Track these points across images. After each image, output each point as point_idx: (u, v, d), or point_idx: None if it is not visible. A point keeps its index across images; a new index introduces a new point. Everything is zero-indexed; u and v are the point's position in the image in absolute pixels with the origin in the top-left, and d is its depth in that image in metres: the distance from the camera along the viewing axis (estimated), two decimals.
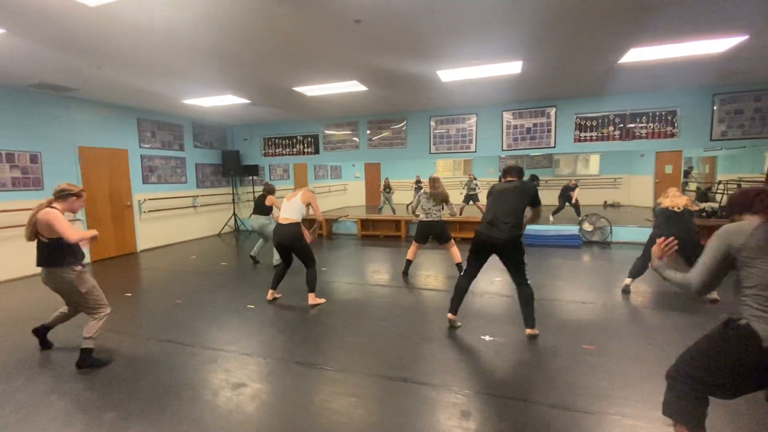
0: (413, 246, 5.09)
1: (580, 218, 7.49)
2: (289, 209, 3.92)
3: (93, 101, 6.40)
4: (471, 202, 9.55)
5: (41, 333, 3.12)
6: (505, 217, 3.05)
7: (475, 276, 3.31)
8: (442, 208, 4.90)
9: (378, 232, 8.27)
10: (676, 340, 3.01)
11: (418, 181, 11.56)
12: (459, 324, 3.37)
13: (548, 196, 11.82)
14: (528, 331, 3.12)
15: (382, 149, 8.21)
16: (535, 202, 3.17)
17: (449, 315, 3.34)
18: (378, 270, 5.56)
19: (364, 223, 8.38)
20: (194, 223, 8.39)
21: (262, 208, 5.60)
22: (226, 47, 4.07)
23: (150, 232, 7.37)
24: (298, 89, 5.82)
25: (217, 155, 9.02)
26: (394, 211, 10.53)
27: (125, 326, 3.54)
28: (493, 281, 4.68)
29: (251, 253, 6.00)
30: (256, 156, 9.31)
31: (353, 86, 5.70)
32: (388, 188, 11.08)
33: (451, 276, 5.00)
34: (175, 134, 7.89)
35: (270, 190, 5.66)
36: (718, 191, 10.63)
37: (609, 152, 10.34)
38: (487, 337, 3.12)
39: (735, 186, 10.17)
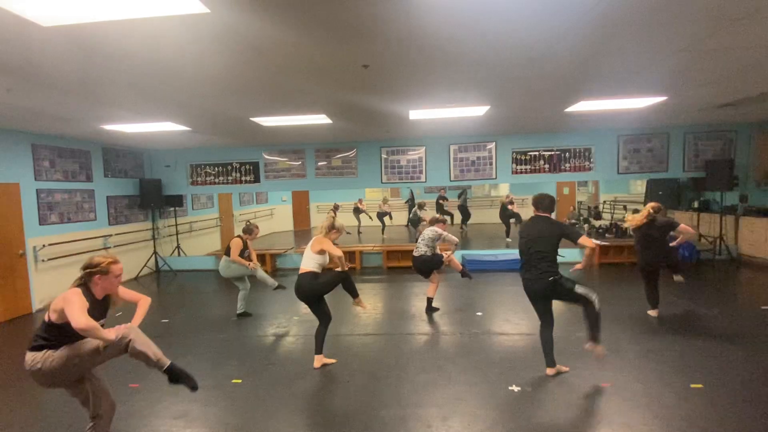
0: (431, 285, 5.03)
1: None
2: (303, 259, 3.67)
3: None
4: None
5: None
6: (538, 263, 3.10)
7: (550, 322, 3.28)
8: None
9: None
10: (666, 363, 3.41)
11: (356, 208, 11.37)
12: (566, 369, 3.31)
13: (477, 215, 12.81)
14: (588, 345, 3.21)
15: (331, 178, 7.92)
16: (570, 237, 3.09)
17: (548, 370, 3.28)
18: (357, 313, 5.26)
19: None
20: None
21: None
22: (192, 79, 3.50)
23: (50, 286, 5.81)
24: (256, 119, 5.30)
25: (134, 185, 7.67)
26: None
27: None
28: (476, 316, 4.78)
29: (238, 311, 5.02)
30: (183, 185, 8.17)
31: (319, 119, 5.40)
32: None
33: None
34: (82, 162, 6.50)
35: (246, 230, 5.04)
36: (604, 210, 12.74)
37: None
38: (514, 387, 3.15)
39: (614, 204, 12.32)
